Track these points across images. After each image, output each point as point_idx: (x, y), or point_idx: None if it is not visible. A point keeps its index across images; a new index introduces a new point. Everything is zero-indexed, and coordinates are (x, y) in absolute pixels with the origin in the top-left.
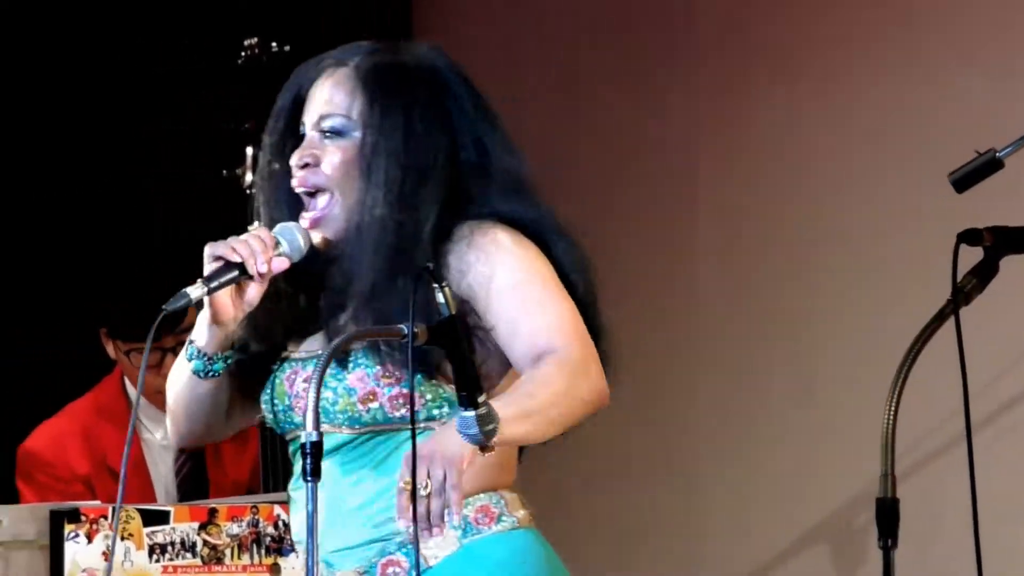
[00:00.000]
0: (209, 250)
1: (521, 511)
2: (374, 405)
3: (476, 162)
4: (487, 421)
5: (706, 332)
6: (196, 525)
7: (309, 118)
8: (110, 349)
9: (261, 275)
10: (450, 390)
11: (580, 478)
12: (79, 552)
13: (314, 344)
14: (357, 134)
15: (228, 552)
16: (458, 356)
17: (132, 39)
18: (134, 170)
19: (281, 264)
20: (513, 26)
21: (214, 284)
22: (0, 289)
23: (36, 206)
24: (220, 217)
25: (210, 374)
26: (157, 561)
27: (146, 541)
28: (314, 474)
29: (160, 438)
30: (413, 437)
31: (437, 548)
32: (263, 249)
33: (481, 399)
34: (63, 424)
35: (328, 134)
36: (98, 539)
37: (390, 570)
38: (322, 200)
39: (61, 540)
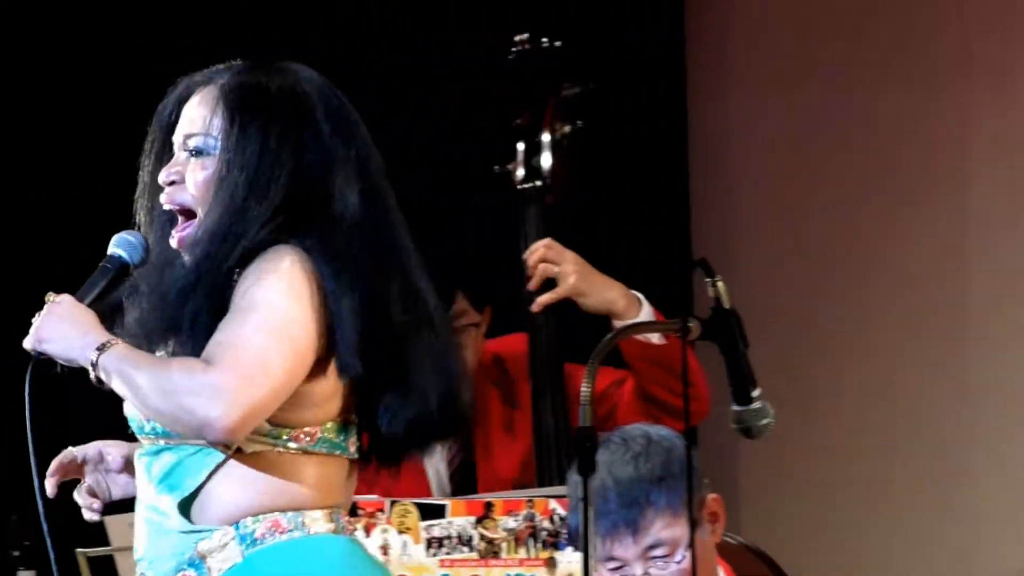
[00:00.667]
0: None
1: (326, 524)
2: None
3: (312, 189)
4: (759, 416)
5: (976, 334)
6: (473, 519)
7: (177, 136)
8: None
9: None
10: None
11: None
12: None
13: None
14: (216, 152)
15: (504, 546)
16: (732, 350)
17: (407, 38)
18: (416, 167)
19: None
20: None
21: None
22: None
23: None
24: (493, 212)
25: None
26: (435, 555)
27: (423, 535)
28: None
29: None
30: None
31: (221, 561)
32: (53, 481)
33: (755, 393)
34: None
35: (193, 152)
36: (376, 533)
37: None
38: (188, 218)
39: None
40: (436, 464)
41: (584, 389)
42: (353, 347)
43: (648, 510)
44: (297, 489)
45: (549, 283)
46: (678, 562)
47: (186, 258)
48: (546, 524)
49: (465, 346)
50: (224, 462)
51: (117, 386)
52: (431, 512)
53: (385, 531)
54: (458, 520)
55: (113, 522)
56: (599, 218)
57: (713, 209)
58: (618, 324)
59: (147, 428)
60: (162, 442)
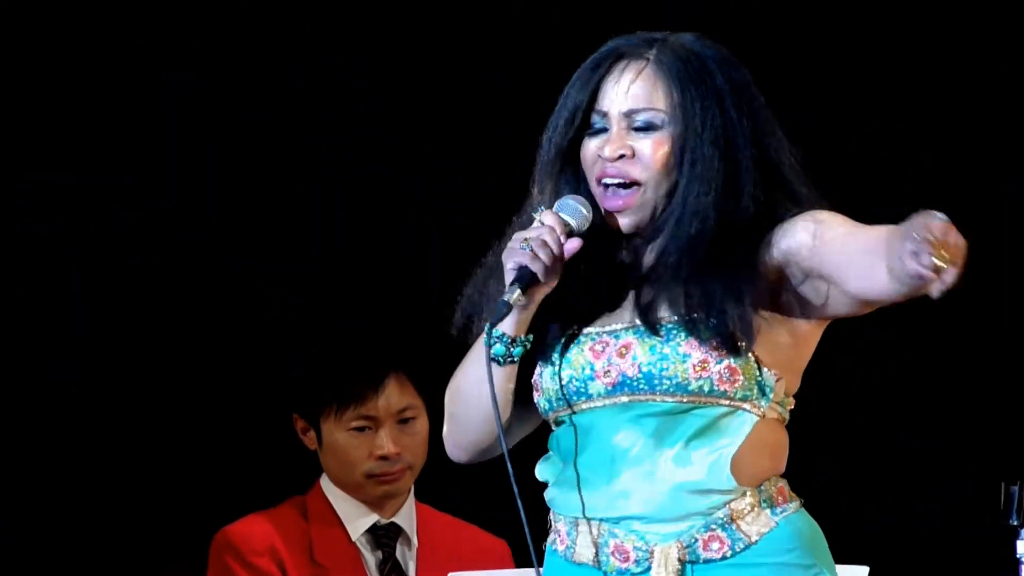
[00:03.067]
0: (508, 263)
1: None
2: (704, 375)
3: (771, 149)
4: None
5: None
6: None
7: (611, 111)
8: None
9: (562, 261)
10: (767, 374)
11: None
12: None
13: (615, 320)
14: (670, 127)
15: None
16: None
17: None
18: None
19: (574, 245)
20: None
21: (524, 285)
22: None
23: None
24: None
25: (509, 359)
26: None
27: None
28: None
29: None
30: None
31: (755, 525)
32: (554, 238)
33: None
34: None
35: (640, 128)
36: None
37: (714, 545)
38: (629, 191)
39: None
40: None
41: None
42: None
43: None
44: (783, 457)
45: None
46: None
47: (630, 223)
48: None
49: None
50: (755, 426)
51: None
52: None
53: None
54: None
55: None
56: None
57: None
58: None
59: (692, 386)
60: (685, 400)
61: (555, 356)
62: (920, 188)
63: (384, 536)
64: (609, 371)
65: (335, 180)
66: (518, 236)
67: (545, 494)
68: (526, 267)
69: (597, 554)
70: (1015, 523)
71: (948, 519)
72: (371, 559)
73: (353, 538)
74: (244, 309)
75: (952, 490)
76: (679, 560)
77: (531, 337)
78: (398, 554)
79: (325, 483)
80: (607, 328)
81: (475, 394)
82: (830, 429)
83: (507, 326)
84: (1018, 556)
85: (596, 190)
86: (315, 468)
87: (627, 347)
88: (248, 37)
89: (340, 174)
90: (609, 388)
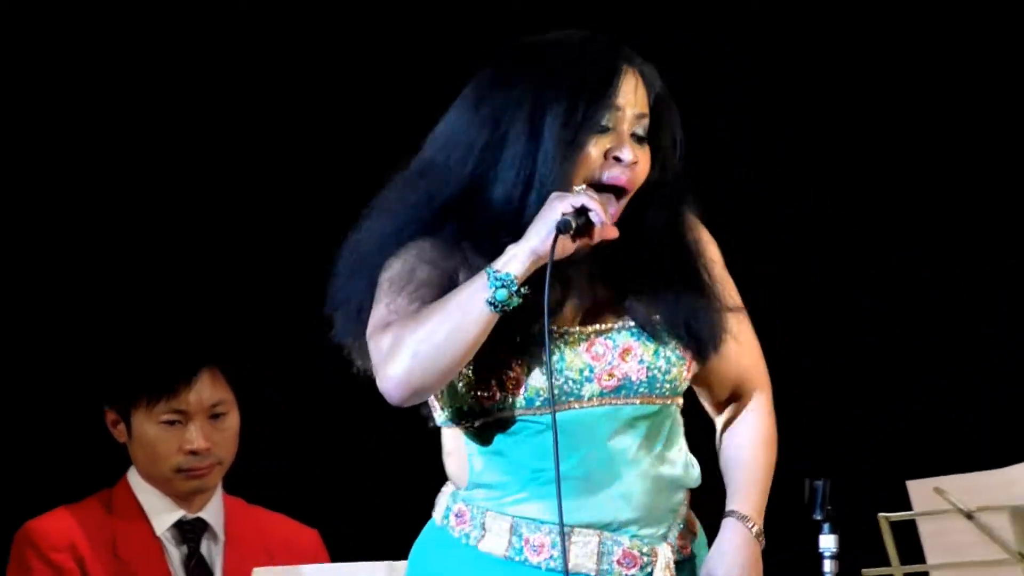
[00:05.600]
0: (567, 201)
1: None
2: (688, 376)
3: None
4: None
5: None
6: None
7: (625, 113)
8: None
9: (603, 227)
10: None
11: None
12: None
13: (599, 320)
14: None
15: None
16: None
17: None
18: None
19: (613, 233)
20: None
21: (580, 224)
22: None
23: None
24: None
25: (507, 306)
26: None
27: None
28: None
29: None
30: None
31: (692, 521)
32: (603, 208)
33: None
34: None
35: (639, 137)
36: None
37: (683, 542)
38: (622, 200)
39: None
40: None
41: None
42: None
43: None
44: None
45: None
46: None
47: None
48: None
49: None
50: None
51: None
52: None
53: None
54: None
55: (915, 486)
56: None
57: None
58: None
59: (681, 387)
60: (669, 401)
61: (541, 353)
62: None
63: (190, 531)
64: (612, 373)
65: (149, 170)
66: (583, 189)
67: (499, 498)
68: (585, 209)
69: (599, 562)
70: (819, 518)
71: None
72: (176, 554)
73: (158, 533)
74: (57, 299)
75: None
76: (672, 560)
77: (527, 292)
78: (204, 549)
79: (132, 477)
80: (595, 328)
81: (458, 332)
82: None
83: (517, 269)
84: (821, 551)
85: (586, 189)
86: (125, 462)
87: (628, 350)
88: None
89: (152, 162)
90: (607, 390)
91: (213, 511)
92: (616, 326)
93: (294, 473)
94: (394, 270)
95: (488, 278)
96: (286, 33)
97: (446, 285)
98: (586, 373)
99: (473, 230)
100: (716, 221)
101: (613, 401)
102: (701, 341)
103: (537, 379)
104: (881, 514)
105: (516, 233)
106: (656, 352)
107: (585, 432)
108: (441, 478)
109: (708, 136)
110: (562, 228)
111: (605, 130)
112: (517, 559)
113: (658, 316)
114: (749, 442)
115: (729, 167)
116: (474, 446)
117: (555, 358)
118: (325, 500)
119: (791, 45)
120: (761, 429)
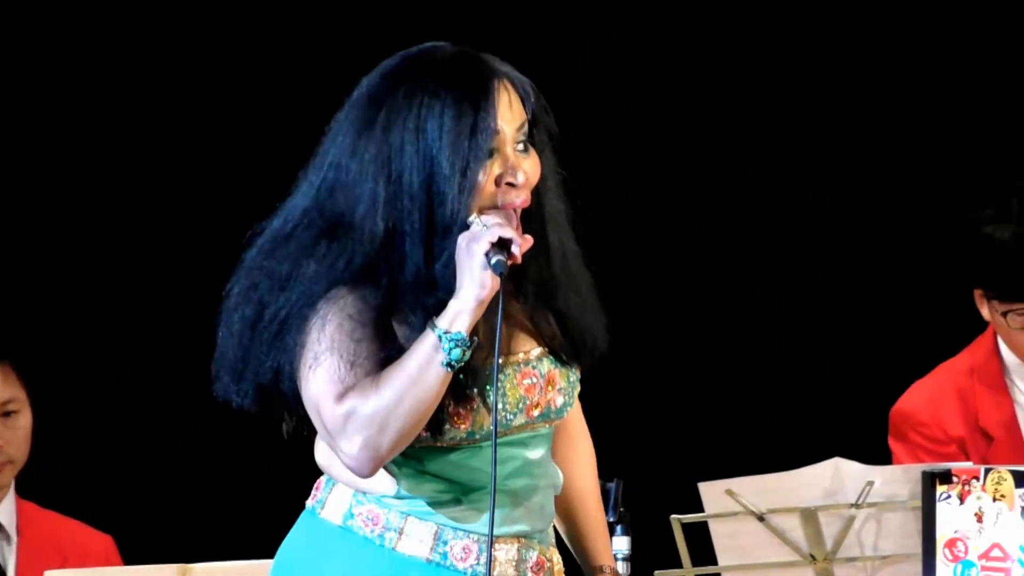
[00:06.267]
0: (483, 239)
1: None
2: None
3: None
4: None
5: None
6: None
7: (506, 133)
8: (984, 311)
9: (522, 246)
10: None
11: None
12: (950, 513)
13: (519, 346)
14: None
15: None
16: None
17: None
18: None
19: (528, 245)
20: None
21: (505, 253)
22: None
23: None
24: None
25: (461, 362)
26: None
27: (1018, 503)
28: None
29: None
30: None
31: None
32: (516, 232)
33: None
34: (938, 384)
35: (523, 146)
36: (970, 500)
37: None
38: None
39: (933, 501)
40: None
41: None
42: None
43: None
44: None
45: None
46: None
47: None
48: None
49: None
50: None
51: None
52: None
53: (979, 498)
54: None
55: (707, 488)
56: None
57: None
58: None
59: (567, 409)
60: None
61: (485, 391)
62: None
63: None
64: (539, 404)
65: None
66: (482, 221)
67: (424, 507)
68: (508, 240)
69: (518, 569)
70: (611, 520)
71: None
72: None
73: None
74: None
75: None
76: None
77: (476, 341)
78: None
79: None
80: (522, 356)
81: (426, 397)
82: None
83: (465, 324)
84: (614, 553)
85: (479, 216)
86: None
87: (551, 380)
88: None
89: None
90: (530, 419)
91: (6, 511)
92: (535, 352)
93: (87, 477)
94: (325, 331)
95: (440, 340)
96: (272, 34)
97: (381, 337)
98: (520, 405)
99: (394, 283)
100: (716, 221)
101: (535, 427)
102: (592, 355)
103: (479, 412)
104: (673, 516)
105: (431, 281)
106: (568, 378)
107: (511, 452)
108: (234, 484)
109: (708, 136)
110: (502, 270)
111: (491, 154)
112: (443, 563)
113: (558, 334)
114: (592, 486)
115: (729, 167)
116: (399, 462)
117: (491, 389)
118: (118, 504)
119: (791, 45)
120: (594, 464)
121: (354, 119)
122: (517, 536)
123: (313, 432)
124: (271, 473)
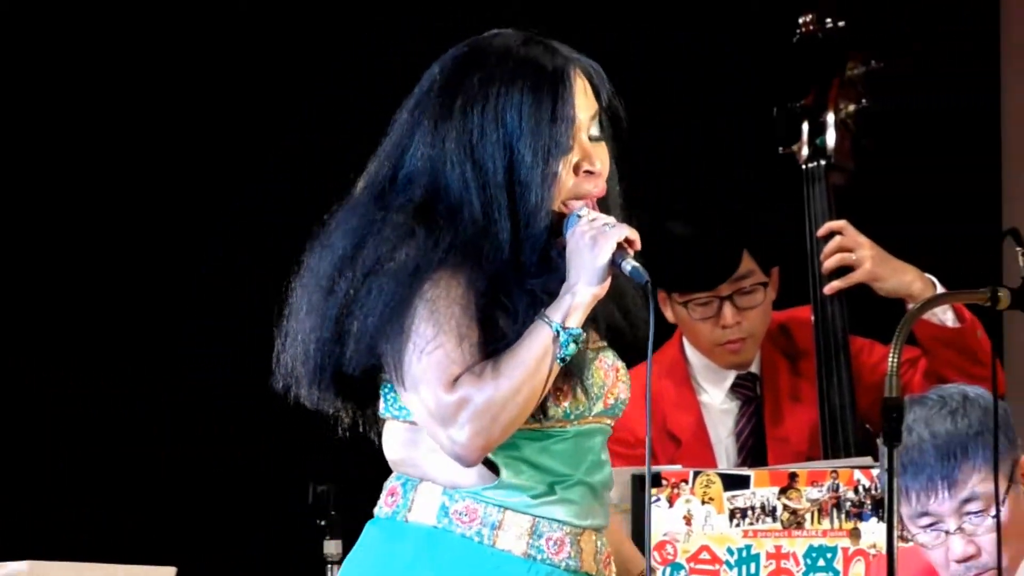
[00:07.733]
0: (621, 233)
1: None
2: None
3: None
4: None
5: None
6: (776, 490)
7: (582, 122)
8: (669, 313)
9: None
10: None
11: None
12: (660, 516)
13: (594, 337)
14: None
15: (808, 517)
16: None
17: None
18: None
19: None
20: None
21: (631, 254)
22: None
23: None
24: (777, 193)
25: (571, 357)
26: (737, 525)
27: (727, 505)
28: (897, 438)
29: (719, 402)
30: None
31: None
32: (629, 229)
33: None
34: None
35: (594, 136)
36: (679, 503)
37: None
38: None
39: (643, 504)
40: (722, 435)
41: (891, 360)
42: None
43: (965, 464)
44: None
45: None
46: (993, 516)
47: None
48: (850, 495)
49: (755, 305)
50: None
51: None
52: (735, 483)
53: (688, 501)
54: (761, 491)
55: None
56: (905, 190)
57: None
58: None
59: (622, 405)
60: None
61: (583, 371)
62: None
63: None
64: (612, 392)
65: None
66: (601, 219)
67: (521, 499)
68: (632, 240)
69: (596, 562)
70: (323, 524)
71: (259, 518)
72: None
73: None
74: None
75: (262, 489)
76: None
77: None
78: None
79: None
80: (597, 344)
81: (539, 387)
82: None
83: (579, 321)
84: (325, 556)
85: (586, 207)
86: None
87: (617, 370)
88: None
89: None
90: (605, 408)
91: None
92: (601, 343)
93: (87, 477)
94: (434, 316)
95: (558, 335)
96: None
97: (486, 323)
98: (600, 391)
99: (492, 269)
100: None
101: (601, 420)
102: (640, 350)
103: (580, 393)
104: None
105: (522, 268)
106: (624, 371)
107: (589, 444)
108: (234, 485)
109: (708, 136)
110: (647, 278)
111: (569, 147)
112: (539, 557)
113: (604, 327)
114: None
115: (729, 167)
116: (495, 451)
117: (587, 375)
118: (118, 504)
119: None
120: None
121: (428, 107)
122: (595, 529)
123: (370, 428)
124: (271, 473)
